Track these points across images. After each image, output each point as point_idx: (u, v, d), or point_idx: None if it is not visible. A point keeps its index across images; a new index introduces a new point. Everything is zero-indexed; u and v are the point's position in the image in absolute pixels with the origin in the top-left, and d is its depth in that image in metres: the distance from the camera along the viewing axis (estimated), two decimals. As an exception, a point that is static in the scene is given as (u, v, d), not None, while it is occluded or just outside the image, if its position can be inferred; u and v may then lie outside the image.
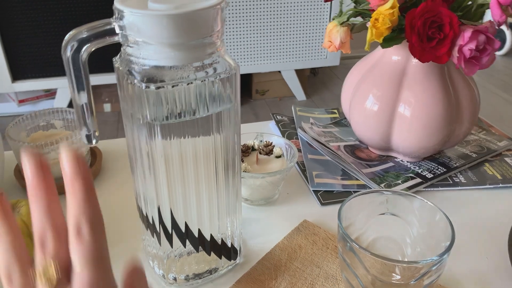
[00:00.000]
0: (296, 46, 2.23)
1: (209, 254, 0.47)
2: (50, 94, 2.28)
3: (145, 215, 0.46)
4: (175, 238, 0.45)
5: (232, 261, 0.49)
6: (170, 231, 0.44)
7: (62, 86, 2.10)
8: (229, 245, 0.48)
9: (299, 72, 2.38)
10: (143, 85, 0.36)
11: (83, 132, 0.42)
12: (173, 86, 0.36)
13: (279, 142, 0.63)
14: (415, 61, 0.61)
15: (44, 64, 2.04)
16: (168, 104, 0.37)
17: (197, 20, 0.36)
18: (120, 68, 0.39)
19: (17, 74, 2.04)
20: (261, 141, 0.64)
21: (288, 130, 0.76)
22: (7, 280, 0.24)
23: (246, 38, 2.15)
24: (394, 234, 0.45)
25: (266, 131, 0.78)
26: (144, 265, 0.50)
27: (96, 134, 0.42)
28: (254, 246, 0.53)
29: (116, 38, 0.38)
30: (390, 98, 0.63)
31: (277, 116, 0.81)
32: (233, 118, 0.42)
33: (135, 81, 0.37)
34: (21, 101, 2.22)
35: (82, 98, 0.40)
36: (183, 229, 0.45)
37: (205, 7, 0.35)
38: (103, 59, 1.96)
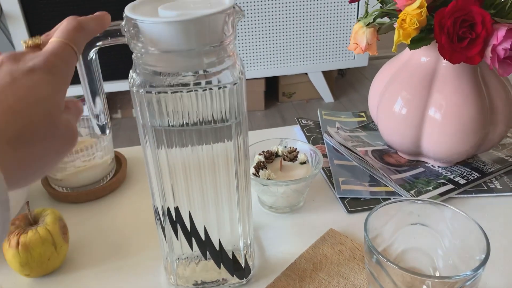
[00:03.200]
0: (323, 47, 2.21)
1: (219, 267, 0.47)
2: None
3: (158, 217, 0.46)
4: (184, 243, 0.45)
5: (237, 279, 0.48)
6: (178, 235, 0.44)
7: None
8: (242, 263, 0.47)
9: (326, 74, 2.35)
10: (142, 90, 0.36)
11: (95, 123, 0.42)
12: (172, 93, 0.36)
13: (303, 148, 0.62)
14: (445, 62, 0.59)
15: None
16: (168, 110, 0.37)
17: (195, 28, 0.35)
18: (130, 74, 0.39)
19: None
20: (285, 147, 0.63)
21: (314, 135, 0.75)
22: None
23: (273, 40, 2.14)
24: (424, 246, 0.43)
25: (291, 136, 0.76)
26: (160, 269, 0.51)
27: (109, 125, 0.43)
28: (277, 256, 0.52)
29: (122, 40, 0.38)
30: (419, 101, 0.60)
31: (302, 121, 0.79)
32: (239, 129, 0.41)
33: (135, 87, 0.37)
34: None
35: (93, 90, 0.41)
36: (203, 236, 0.44)
37: (203, 15, 0.34)
38: (117, 66, 1.99)
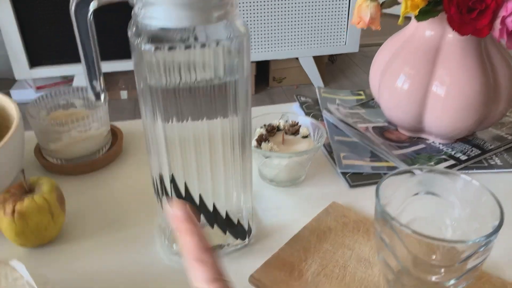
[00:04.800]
0: (314, 32, 2.19)
1: (225, 233, 0.46)
2: (68, 81, 2.29)
3: (156, 185, 0.45)
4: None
5: (239, 240, 0.48)
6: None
7: (80, 73, 2.09)
8: (245, 225, 0.47)
9: (317, 60, 2.34)
10: (144, 46, 0.35)
11: (90, 90, 0.40)
12: (170, 48, 0.35)
13: (305, 122, 0.61)
14: (450, 36, 0.58)
15: (62, 51, 2.04)
16: (168, 67, 0.36)
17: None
18: (130, 30, 0.37)
19: (34, 60, 2.04)
20: (286, 121, 0.61)
21: (313, 111, 0.74)
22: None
23: (263, 24, 2.11)
24: (433, 216, 0.43)
25: (290, 112, 0.75)
26: (157, 240, 0.50)
27: (104, 92, 0.42)
28: (279, 225, 0.51)
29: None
30: (423, 76, 0.60)
31: (301, 98, 0.78)
32: (242, 90, 0.40)
33: (137, 41, 0.36)
34: (38, 88, 2.23)
35: (89, 54, 0.39)
36: (197, 201, 0.44)
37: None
38: (121, 45, 1.96)
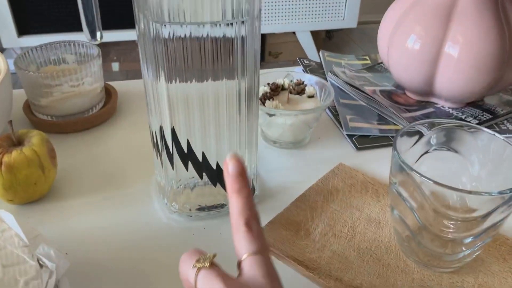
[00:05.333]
0: (312, 6, 2.14)
1: (215, 185, 0.44)
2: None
3: (155, 141, 0.42)
4: (191, 168, 0.42)
5: None
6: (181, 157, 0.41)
7: (70, 42, 2.03)
8: (249, 184, 0.44)
9: (314, 36, 2.29)
10: None
11: (86, 27, 0.37)
12: None
13: (311, 81, 0.58)
14: (467, -7, 0.55)
15: (51, 19, 1.97)
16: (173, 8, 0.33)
17: None
18: None
19: (23, 28, 1.98)
20: (291, 80, 0.58)
21: (317, 75, 0.71)
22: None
23: (261, -3, 2.06)
24: (449, 173, 0.40)
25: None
26: (154, 198, 0.47)
27: (100, 31, 0.38)
28: (284, 186, 0.49)
29: None
30: (435, 36, 0.57)
31: (304, 61, 0.75)
32: (250, 48, 0.37)
33: None
34: (27, 58, 2.16)
35: None
36: (200, 159, 0.41)
37: None
38: (112, 15, 1.89)
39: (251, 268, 0.27)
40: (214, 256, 0.27)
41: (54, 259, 0.33)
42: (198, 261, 0.27)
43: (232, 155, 0.29)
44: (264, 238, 0.28)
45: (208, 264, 0.27)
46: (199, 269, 0.27)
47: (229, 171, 0.29)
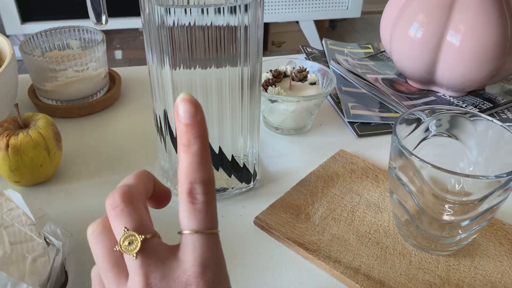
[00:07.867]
0: (316, -5, 2.13)
1: (230, 176, 0.45)
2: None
3: (159, 125, 0.43)
4: None
5: (244, 184, 0.46)
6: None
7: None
8: (250, 169, 0.46)
9: (317, 25, 2.28)
10: None
11: (91, 9, 0.37)
12: None
13: (314, 68, 0.58)
14: (470, -19, 0.55)
15: (54, 6, 1.97)
16: None
17: None
18: None
19: (26, 15, 1.98)
20: (293, 67, 0.59)
21: (320, 63, 0.71)
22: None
23: (264, -15, 2.05)
24: (446, 159, 0.41)
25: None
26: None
27: (105, 14, 0.39)
28: (285, 171, 0.50)
29: None
30: (437, 24, 0.57)
31: (307, 49, 0.75)
32: (253, 36, 0.37)
33: None
34: (31, 45, 2.16)
35: None
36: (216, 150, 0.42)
37: None
38: (116, 2, 1.89)
39: (184, 250, 0.22)
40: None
41: (60, 237, 0.34)
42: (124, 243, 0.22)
43: (185, 95, 0.22)
44: (211, 211, 0.22)
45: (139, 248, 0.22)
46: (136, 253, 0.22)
47: (179, 116, 0.22)
